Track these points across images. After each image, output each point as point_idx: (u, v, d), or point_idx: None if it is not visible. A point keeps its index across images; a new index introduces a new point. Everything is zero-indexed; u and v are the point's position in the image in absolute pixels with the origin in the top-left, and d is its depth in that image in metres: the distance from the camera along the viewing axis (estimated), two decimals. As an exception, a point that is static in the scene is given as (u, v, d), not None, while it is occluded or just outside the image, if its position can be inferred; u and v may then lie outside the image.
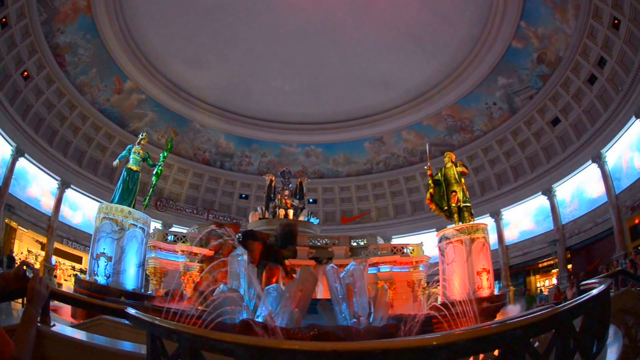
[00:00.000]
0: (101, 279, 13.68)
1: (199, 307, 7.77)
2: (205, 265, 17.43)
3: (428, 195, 17.64)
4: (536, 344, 3.20)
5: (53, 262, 24.67)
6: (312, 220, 26.55)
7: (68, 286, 22.76)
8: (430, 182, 17.52)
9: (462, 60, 28.72)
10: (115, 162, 17.15)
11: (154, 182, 17.28)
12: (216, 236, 16.40)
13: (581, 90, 24.66)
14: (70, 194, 27.91)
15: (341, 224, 35.51)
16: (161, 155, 17.42)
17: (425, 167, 18.19)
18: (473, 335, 2.19)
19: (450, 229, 16.65)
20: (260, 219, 25.00)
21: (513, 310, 14.60)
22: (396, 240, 30.23)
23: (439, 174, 17.54)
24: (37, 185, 25.91)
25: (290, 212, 25.24)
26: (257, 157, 36.45)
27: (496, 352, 2.31)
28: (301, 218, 25.54)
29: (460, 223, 16.53)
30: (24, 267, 3.17)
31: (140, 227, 15.22)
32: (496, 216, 30.08)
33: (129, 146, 16.91)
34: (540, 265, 27.99)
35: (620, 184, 22.62)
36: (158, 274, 20.21)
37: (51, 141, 26.89)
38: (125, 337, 4.16)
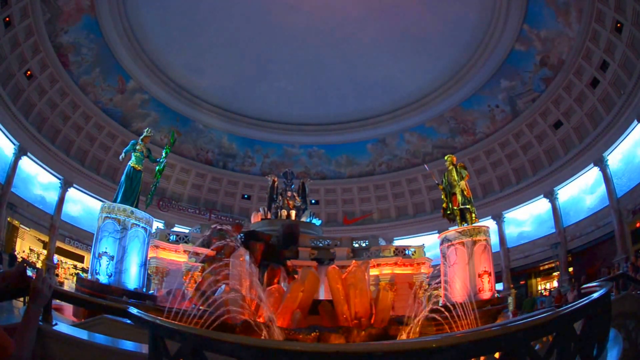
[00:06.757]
0: (103, 278, 13.71)
1: (201, 307, 7.77)
2: (207, 265, 17.42)
3: (442, 212, 17.75)
4: (537, 347, 3.20)
5: (55, 261, 24.71)
6: (314, 221, 26.50)
7: (70, 284, 22.83)
8: (443, 196, 17.53)
9: (465, 62, 28.71)
10: (122, 156, 17.09)
11: (157, 178, 17.06)
12: (218, 236, 16.37)
13: (584, 93, 24.63)
14: (72, 192, 27.96)
15: (343, 225, 35.51)
16: (164, 151, 17.29)
17: (437, 182, 18.34)
18: (474, 337, 2.20)
19: (452, 231, 16.64)
20: (262, 219, 24.95)
21: (507, 315, 14.59)
22: (398, 242, 30.21)
23: (444, 180, 17.50)
24: (40, 184, 25.99)
25: (293, 213, 25.20)
26: (260, 157, 36.49)
27: (497, 355, 2.32)
28: (303, 219, 25.49)
29: (464, 224, 16.51)
30: (25, 266, 3.18)
31: (142, 227, 15.24)
32: (498, 218, 30.02)
33: (133, 141, 16.85)
34: (541, 268, 27.92)
35: (621, 188, 22.57)
36: (160, 273, 20.26)
37: (54, 140, 26.97)
38: (127, 336, 4.17)
